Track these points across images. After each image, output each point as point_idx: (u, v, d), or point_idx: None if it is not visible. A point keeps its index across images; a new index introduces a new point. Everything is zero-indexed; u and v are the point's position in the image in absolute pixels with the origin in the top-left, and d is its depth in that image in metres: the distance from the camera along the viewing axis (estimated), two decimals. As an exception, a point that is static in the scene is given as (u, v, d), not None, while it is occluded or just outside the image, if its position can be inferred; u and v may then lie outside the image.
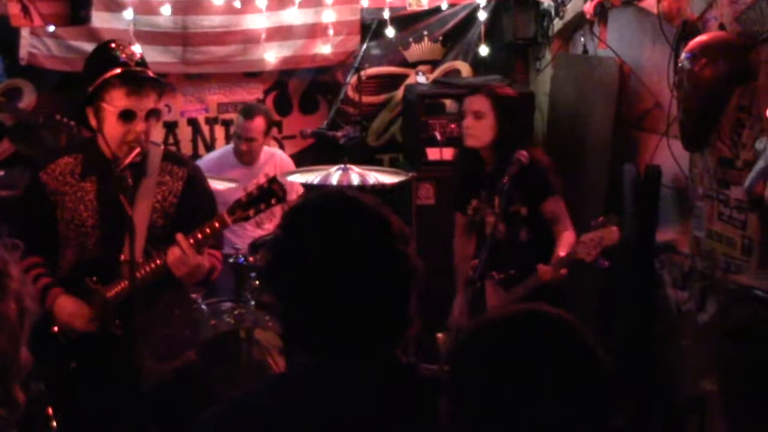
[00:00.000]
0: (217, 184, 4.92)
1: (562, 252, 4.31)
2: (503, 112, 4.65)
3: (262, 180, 5.16)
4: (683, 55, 4.12)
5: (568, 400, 1.66)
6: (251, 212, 3.70)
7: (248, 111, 6.10)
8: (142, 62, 3.82)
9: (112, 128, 3.70)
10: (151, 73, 3.80)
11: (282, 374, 2.04)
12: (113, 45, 3.83)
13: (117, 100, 3.67)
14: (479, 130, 4.65)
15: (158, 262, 3.67)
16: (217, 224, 3.70)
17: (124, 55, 3.76)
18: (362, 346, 2.00)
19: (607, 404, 1.69)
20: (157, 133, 6.52)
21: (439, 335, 4.86)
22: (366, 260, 1.99)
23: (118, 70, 3.70)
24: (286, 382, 2.17)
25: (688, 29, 4.43)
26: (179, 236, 3.65)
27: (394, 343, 2.06)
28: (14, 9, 4.41)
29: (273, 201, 3.69)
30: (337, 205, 2.08)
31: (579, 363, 1.69)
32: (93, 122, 3.75)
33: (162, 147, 4.08)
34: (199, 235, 3.67)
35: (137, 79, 3.71)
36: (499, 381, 1.66)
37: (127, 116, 3.67)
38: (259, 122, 6.06)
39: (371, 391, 2.01)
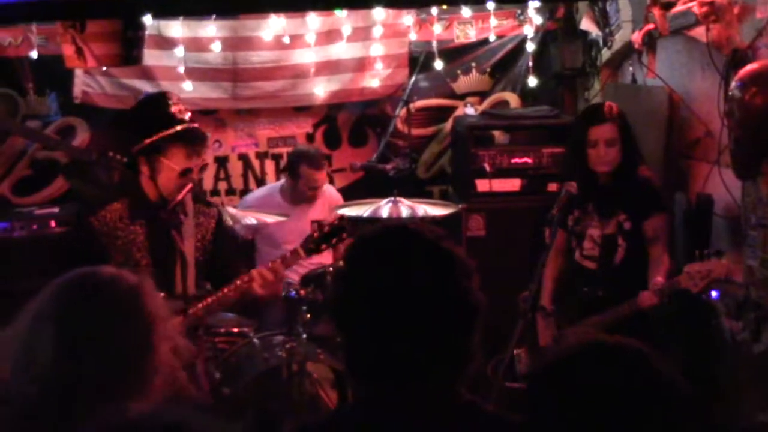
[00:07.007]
0: (265, 217, 4.96)
1: (660, 278, 4.36)
2: (628, 135, 4.77)
3: (312, 216, 5.30)
4: (733, 84, 4.09)
5: None
6: (323, 246, 4.05)
7: (316, 161, 6.02)
8: (189, 117, 4.06)
9: (168, 181, 3.96)
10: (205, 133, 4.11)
11: (348, 405, 2.05)
12: (168, 99, 4.01)
13: (178, 159, 3.94)
14: (612, 156, 4.71)
15: (214, 297, 3.90)
16: (290, 255, 4.08)
17: (177, 110, 3.98)
18: (424, 379, 2.00)
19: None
20: (209, 169, 6.79)
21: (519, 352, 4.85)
22: (430, 295, 2.00)
23: (179, 128, 3.93)
24: (351, 412, 2.18)
25: (738, 57, 4.41)
26: (277, 264, 4.05)
27: (456, 377, 2.06)
28: (68, 50, 4.50)
29: (344, 236, 4.03)
30: (402, 238, 2.09)
31: (664, 401, 1.67)
32: (144, 169, 3.95)
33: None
34: (280, 261, 4.07)
35: (198, 139, 4.00)
36: (578, 420, 1.66)
37: (186, 173, 3.98)
38: (325, 169, 6.15)
39: (433, 426, 2.01)
